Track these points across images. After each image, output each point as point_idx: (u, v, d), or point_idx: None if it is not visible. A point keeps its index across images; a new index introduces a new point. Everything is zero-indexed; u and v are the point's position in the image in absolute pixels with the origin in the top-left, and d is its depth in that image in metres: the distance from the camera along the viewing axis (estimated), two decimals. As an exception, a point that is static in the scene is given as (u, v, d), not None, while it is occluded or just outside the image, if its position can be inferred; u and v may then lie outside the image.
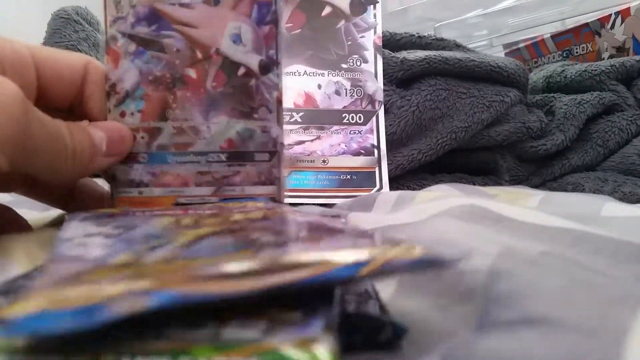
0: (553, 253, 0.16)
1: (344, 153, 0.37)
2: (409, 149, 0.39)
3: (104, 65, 0.24)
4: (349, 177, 0.37)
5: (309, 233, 0.17)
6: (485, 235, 0.18)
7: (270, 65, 0.24)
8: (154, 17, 0.24)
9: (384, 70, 0.40)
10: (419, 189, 0.36)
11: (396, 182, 0.39)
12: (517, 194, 0.32)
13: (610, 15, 0.56)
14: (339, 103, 0.39)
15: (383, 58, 0.40)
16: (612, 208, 0.24)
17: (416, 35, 0.44)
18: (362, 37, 0.41)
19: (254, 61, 0.24)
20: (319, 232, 0.17)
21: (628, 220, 0.22)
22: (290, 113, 0.38)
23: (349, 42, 0.40)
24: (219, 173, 0.24)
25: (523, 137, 0.42)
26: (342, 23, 0.40)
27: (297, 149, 0.37)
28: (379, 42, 0.41)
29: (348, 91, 0.39)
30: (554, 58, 0.63)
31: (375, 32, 0.41)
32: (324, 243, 0.15)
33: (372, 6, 0.41)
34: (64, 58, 0.23)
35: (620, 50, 0.55)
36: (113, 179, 0.24)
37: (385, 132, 0.38)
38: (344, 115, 0.38)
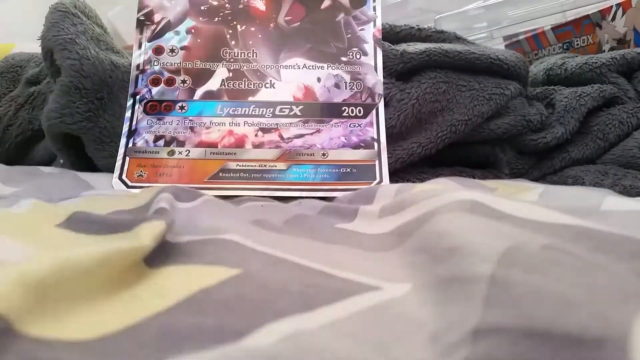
0: (555, 247, 0.16)
1: (343, 146, 0.37)
2: (409, 143, 0.39)
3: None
4: (348, 170, 0.37)
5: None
6: (486, 230, 0.18)
7: None
8: None
9: (383, 63, 0.39)
10: (419, 182, 0.36)
11: (396, 176, 0.38)
12: (517, 187, 0.32)
13: (612, 7, 0.55)
14: (338, 96, 0.39)
15: (383, 51, 0.40)
16: (612, 202, 0.23)
17: (416, 27, 0.44)
18: (362, 29, 0.40)
19: None
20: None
21: (628, 215, 0.22)
22: (289, 106, 0.38)
23: (349, 35, 0.40)
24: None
25: (523, 130, 0.42)
26: (341, 16, 0.40)
27: (297, 142, 0.37)
28: (379, 35, 0.40)
29: (348, 84, 0.39)
30: (554, 50, 0.63)
31: (374, 25, 0.41)
32: None
33: (371, -2, 0.41)
34: None
35: (621, 42, 0.55)
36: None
37: (385, 126, 0.38)
38: (343, 109, 0.38)
